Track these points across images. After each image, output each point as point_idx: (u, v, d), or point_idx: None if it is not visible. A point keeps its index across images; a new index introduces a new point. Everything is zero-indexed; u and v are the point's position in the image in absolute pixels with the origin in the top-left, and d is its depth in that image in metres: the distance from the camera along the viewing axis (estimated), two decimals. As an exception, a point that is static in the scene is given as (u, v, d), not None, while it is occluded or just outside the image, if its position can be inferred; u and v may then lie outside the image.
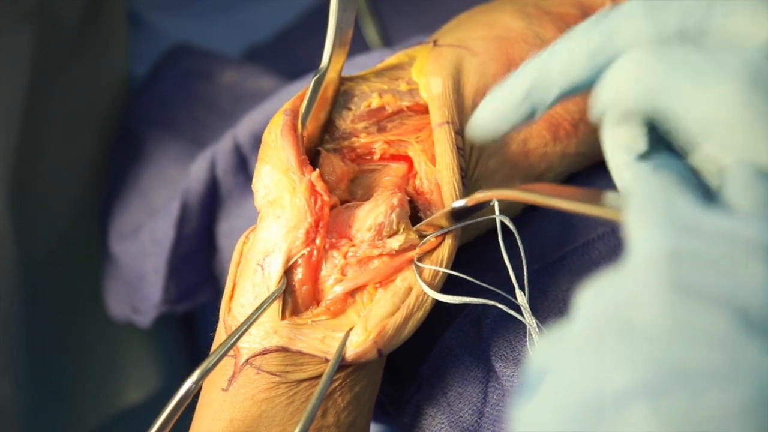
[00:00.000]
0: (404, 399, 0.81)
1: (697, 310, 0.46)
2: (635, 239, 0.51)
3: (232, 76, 1.11)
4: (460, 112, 0.77)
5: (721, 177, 0.52)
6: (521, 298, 0.73)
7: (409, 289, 0.72)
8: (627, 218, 0.52)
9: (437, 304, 0.77)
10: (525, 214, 0.82)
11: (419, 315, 0.72)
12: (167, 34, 1.16)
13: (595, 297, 0.50)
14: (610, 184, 0.84)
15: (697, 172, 0.54)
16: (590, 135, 0.82)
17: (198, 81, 1.10)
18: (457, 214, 0.72)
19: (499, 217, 0.72)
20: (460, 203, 0.71)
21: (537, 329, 0.73)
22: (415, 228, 0.73)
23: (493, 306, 0.77)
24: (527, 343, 0.75)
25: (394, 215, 0.72)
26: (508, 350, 0.78)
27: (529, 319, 0.73)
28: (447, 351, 0.79)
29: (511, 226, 0.72)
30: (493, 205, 0.70)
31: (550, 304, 0.79)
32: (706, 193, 0.52)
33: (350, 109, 0.77)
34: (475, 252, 0.80)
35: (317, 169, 0.72)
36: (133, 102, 1.10)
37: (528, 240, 0.81)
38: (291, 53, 1.12)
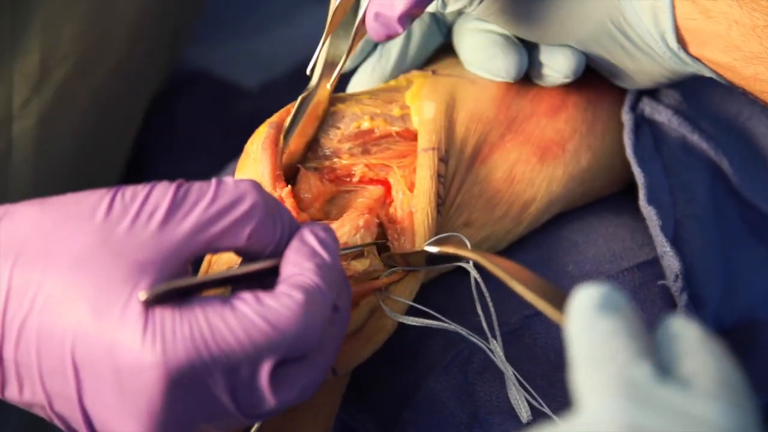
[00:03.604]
0: (388, 444, 0.80)
1: None
2: (588, 401, 0.51)
3: (248, 107, 1.11)
4: (450, 138, 0.77)
5: (676, 344, 0.53)
6: (496, 348, 0.72)
7: (371, 312, 0.72)
8: (576, 370, 0.52)
9: (423, 347, 0.76)
10: (515, 253, 0.81)
11: (380, 337, 0.72)
12: (186, 61, 1.16)
13: None
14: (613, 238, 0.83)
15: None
16: (580, 153, 0.81)
17: (214, 109, 1.11)
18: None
19: (472, 272, 0.72)
20: (433, 250, 0.71)
21: (515, 378, 0.72)
22: (385, 254, 0.73)
23: (481, 351, 0.76)
24: (508, 393, 0.74)
25: (358, 236, 0.72)
26: (494, 396, 0.76)
27: (503, 366, 0.72)
28: (431, 395, 0.78)
29: (480, 281, 0.71)
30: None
31: (540, 352, 0.77)
32: (651, 345, 0.53)
33: (339, 128, 0.77)
34: (458, 293, 0.78)
35: (289, 186, 0.73)
36: (147, 123, 1.10)
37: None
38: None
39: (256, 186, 0.63)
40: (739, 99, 0.86)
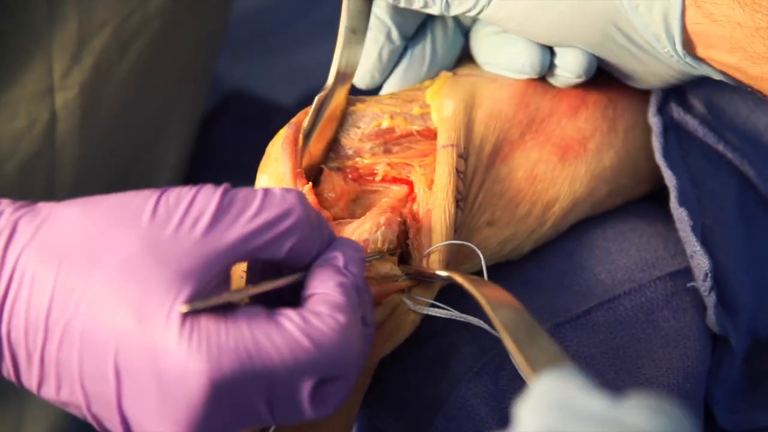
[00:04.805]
0: (420, 451, 0.80)
1: None
2: (521, 417, 0.53)
3: (285, 123, 1.11)
4: (468, 135, 0.77)
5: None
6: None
7: (392, 309, 0.72)
8: (520, 402, 0.54)
9: (454, 354, 0.77)
10: (547, 259, 0.81)
11: (401, 333, 0.72)
12: (225, 76, 1.18)
13: None
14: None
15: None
16: (602, 152, 0.81)
17: (251, 129, 1.12)
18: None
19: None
20: (440, 274, 0.72)
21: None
22: (402, 266, 0.73)
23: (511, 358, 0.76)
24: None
25: (379, 234, 0.72)
26: (524, 404, 0.76)
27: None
28: (462, 402, 0.78)
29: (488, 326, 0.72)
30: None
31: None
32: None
33: (359, 128, 0.78)
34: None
35: (310, 183, 0.74)
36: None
37: (552, 290, 0.80)
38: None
39: (302, 199, 0.64)
40: None
